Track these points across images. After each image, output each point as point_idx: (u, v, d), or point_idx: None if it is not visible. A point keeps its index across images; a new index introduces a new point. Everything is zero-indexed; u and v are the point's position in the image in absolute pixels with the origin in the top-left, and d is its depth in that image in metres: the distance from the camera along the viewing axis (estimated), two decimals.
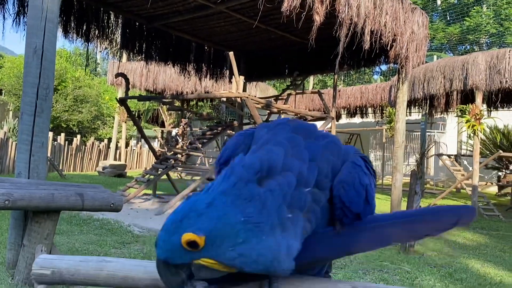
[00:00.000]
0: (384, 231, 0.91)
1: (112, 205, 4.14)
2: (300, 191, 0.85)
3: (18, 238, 4.15)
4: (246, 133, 1.02)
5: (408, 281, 4.93)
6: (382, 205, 12.26)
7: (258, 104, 8.36)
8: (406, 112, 18.06)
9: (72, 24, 8.76)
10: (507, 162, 13.56)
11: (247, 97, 7.82)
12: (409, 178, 6.77)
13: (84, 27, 8.93)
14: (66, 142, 17.88)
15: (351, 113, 19.91)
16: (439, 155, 15.36)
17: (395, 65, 9.73)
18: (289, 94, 10.97)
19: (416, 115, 19.17)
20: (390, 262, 5.71)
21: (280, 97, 11.33)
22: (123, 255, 5.21)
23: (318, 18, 6.29)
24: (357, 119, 21.43)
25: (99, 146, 19.48)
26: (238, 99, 8.87)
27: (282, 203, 0.82)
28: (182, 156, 9.87)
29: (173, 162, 9.81)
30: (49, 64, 4.22)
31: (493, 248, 7.19)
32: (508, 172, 14.30)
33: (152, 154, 19.94)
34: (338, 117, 21.08)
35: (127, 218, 7.74)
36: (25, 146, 4.13)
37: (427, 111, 16.23)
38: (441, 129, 20.21)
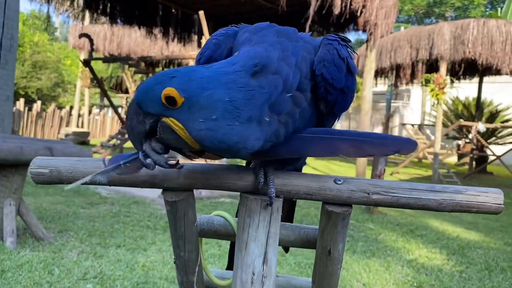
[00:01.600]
0: (336, 143, 0.96)
1: None
2: (283, 97, 0.90)
3: None
4: (227, 33, 1.04)
5: (372, 236, 5.14)
6: (347, 172, 12.60)
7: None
8: (372, 82, 18.42)
9: None
10: (466, 132, 14.13)
11: None
12: None
13: None
14: (26, 108, 17.21)
15: None
16: (403, 125, 15.83)
17: (363, 36, 9.84)
18: None
19: (382, 87, 19.56)
20: (355, 221, 5.92)
21: None
22: (92, 214, 5.16)
23: None
24: None
25: (60, 113, 18.87)
26: None
27: (265, 102, 0.86)
28: None
29: None
30: (13, 14, 4.02)
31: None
32: (467, 141, 14.92)
33: (116, 122, 19.51)
34: None
35: None
36: None
37: (393, 82, 16.59)
38: (406, 100, 20.76)
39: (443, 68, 10.85)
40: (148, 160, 0.85)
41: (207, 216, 1.21)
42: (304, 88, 0.95)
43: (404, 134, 17.98)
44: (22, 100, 17.30)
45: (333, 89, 0.97)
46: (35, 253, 3.54)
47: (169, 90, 0.79)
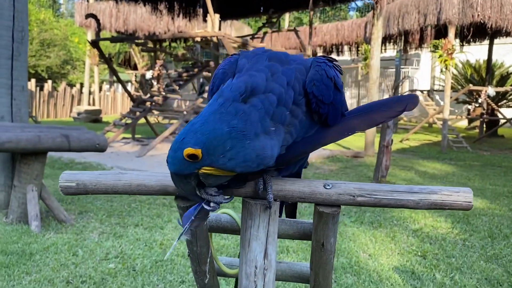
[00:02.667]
0: (349, 123, 1.13)
1: (97, 145, 4.25)
2: (281, 109, 1.04)
3: (7, 180, 4.25)
4: (231, 61, 1.18)
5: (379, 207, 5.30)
6: (357, 141, 12.70)
7: (234, 43, 8.32)
8: (381, 49, 18.17)
9: None
10: (476, 96, 14.03)
11: (223, 36, 7.77)
12: None
13: None
14: (37, 88, 17.43)
15: (327, 51, 19.87)
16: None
17: (371, 0, 9.70)
18: (265, 33, 10.88)
19: (391, 52, 19.32)
20: None
21: (256, 36, 11.23)
22: (110, 195, 5.40)
23: None
24: (333, 57, 21.45)
25: (71, 91, 19.08)
26: (214, 39, 8.79)
27: (265, 116, 1.01)
28: (159, 98, 9.86)
29: (148, 105, 9.80)
30: (22, 6, 4.12)
31: (460, 176, 7.68)
32: (477, 105, 14.83)
33: (127, 98, 19.66)
34: (314, 55, 21.04)
35: (109, 161, 7.86)
36: (6, 90, 4.12)
37: (401, 48, 16.38)
38: (415, 65, 20.52)
39: (451, 33, 10.71)
40: (212, 204, 1.04)
41: (215, 213, 1.36)
42: (299, 103, 1.08)
43: None
44: (33, 81, 17.50)
45: (323, 104, 1.09)
46: (59, 235, 3.78)
47: (187, 151, 0.95)
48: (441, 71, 12.02)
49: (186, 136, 0.96)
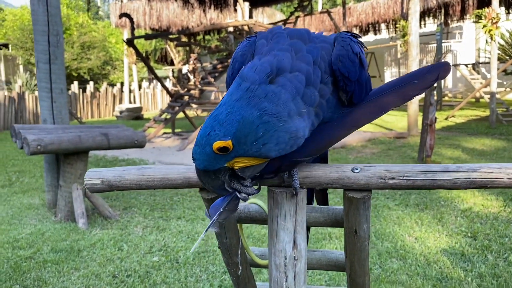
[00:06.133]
0: (382, 101, 1.06)
1: (136, 141, 4.33)
2: (310, 89, 0.98)
3: (54, 180, 4.42)
4: (249, 43, 1.12)
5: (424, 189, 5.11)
6: (400, 121, 12.32)
7: (266, 30, 8.22)
8: (420, 23, 17.45)
9: None
10: None
11: (254, 24, 7.69)
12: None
13: None
14: (80, 90, 18.04)
15: (364, 31, 19.33)
16: (455, 66, 15.06)
17: None
18: (297, 17, 10.69)
19: (431, 27, 18.55)
20: None
21: (288, 21, 11.06)
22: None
23: None
24: (370, 37, 20.85)
25: (112, 91, 19.63)
26: (245, 27, 8.72)
27: (296, 96, 0.95)
28: (195, 92, 9.95)
29: (187, 99, 9.90)
30: (55, 10, 4.23)
31: (511, 152, 7.29)
32: None
33: (166, 94, 20.02)
34: None
35: (151, 156, 8.03)
36: (46, 94, 4.26)
37: (442, 21, 15.67)
38: (458, 39, 19.61)
39: (495, 1, 10.11)
40: (243, 195, 0.98)
41: (243, 204, 1.33)
42: (326, 82, 1.03)
43: (458, 75, 17.15)
44: (76, 83, 18.12)
45: (349, 81, 1.04)
46: (104, 231, 3.89)
47: (217, 144, 0.89)
48: (486, 42, 11.41)
49: (212, 129, 0.90)
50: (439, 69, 1.04)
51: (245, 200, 1.00)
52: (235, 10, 10.89)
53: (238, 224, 1.39)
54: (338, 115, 1.07)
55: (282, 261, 1.09)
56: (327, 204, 1.41)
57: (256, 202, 1.33)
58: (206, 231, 1.05)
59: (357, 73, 1.04)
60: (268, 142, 0.91)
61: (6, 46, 24.61)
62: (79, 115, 16.15)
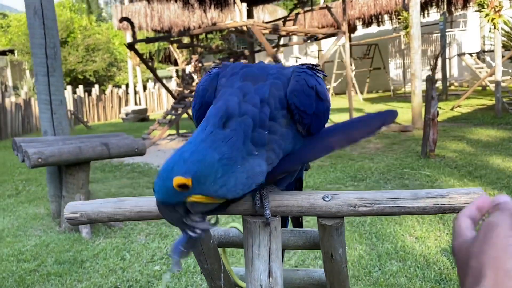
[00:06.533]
0: (329, 140, 1.09)
1: (136, 149, 4.37)
2: (259, 132, 1.01)
3: (57, 190, 4.48)
4: (210, 77, 1.16)
5: (428, 184, 5.10)
6: (404, 114, 12.25)
7: (265, 29, 8.21)
8: (424, 13, 17.28)
9: None
10: None
11: (252, 25, 7.68)
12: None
13: None
14: (86, 93, 18.16)
15: (367, 23, 19.20)
16: (460, 55, 14.91)
17: None
18: (297, 14, 10.65)
19: (435, 16, 18.37)
20: (411, 169, 5.87)
21: (288, 18, 11.03)
22: None
23: None
24: (374, 29, 20.69)
25: (118, 93, 19.73)
26: (244, 27, 8.72)
27: (246, 139, 0.99)
28: None
29: (191, 100, 9.94)
30: (51, 23, 4.26)
31: None
32: None
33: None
34: (354, 28, 20.38)
35: (156, 160, 8.08)
36: (46, 106, 4.31)
37: (445, 10, 15.51)
38: (462, 27, 19.38)
39: None
40: (198, 231, 0.99)
41: (223, 229, 1.35)
42: (277, 117, 1.05)
43: (464, 64, 16.96)
44: (81, 87, 18.23)
45: (305, 114, 1.07)
46: (108, 240, 3.94)
47: (178, 180, 0.91)
48: (490, 30, 11.28)
49: (175, 165, 0.94)
50: (386, 116, 1.08)
51: (200, 236, 1.01)
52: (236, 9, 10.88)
53: (221, 249, 1.41)
54: (300, 145, 1.10)
55: None
56: (302, 227, 1.43)
57: (236, 226, 1.35)
58: (170, 271, 1.07)
59: (313, 106, 1.07)
60: (226, 184, 0.95)
61: (12, 52, 24.83)
62: (85, 119, 16.27)
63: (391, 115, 1.08)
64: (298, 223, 1.43)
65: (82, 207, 1.18)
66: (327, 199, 1.06)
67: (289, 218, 1.44)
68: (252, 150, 0.99)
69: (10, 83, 23.54)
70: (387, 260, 3.21)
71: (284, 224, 1.41)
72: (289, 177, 1.19)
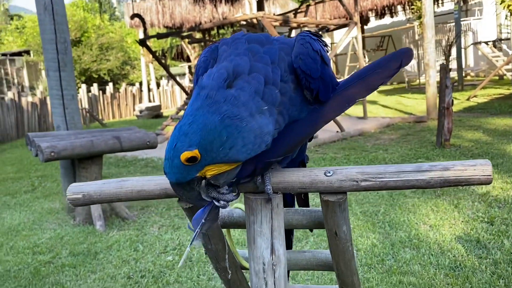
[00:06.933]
0: (348, 93, 1.06)
1: (148, 142, 4.39)
2: (270, 88, 0.98)
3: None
4: (211, 49, 1.13)
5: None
6: (419, 104, 12.07)
7: (275, 21, 8.16)
8: (437, 2, 16.99)
9: None
10: None
11: (262, 17, 7.64)
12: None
13: None
14: (100, 91, 18.34)
15: (380, 14, 18.97)
16: (475, 44, 14.63)
17: None
18: (307, 5, 10.56)
19: (449, 5, 18.05)
20: (425, 159, 5.78)
21: (299, 10, 10.95)
22: None
23: None
24: (387, 20, 20.44)
25: (132, 90, 19.87)
26: (254, 20, 8.67)
27: (255, 96, 0.95)
28: None
29: None
30: (61, 18, 4.30)
31: None
32: None
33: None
34: (366, 20, 20.17)
35: None
36: (58, 101, 4.36)
37: None
38: (478, 16, 19.01)
39: None
40: (222, 203, 0.98)
41: (227, 209, 1.34)
42: (286, 80, 1.03)
43: (480, 53, 16.64)
44: (95, 85, 18.41)
45: (312, 79, 1.03)
46: (121, 233, 3.97)
47: (184, 155, 0.89)
48: (506, 17, 11.03)
49: (177, 141, 0.91)
50: (402, 55, 1.04)
51: (224, 207, 1.00)
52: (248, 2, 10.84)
53: (226, 229, 1.40)
54: (306, 114, 1.07)
55: (261, 267, 1.09)
56: (308, 206, 1.40)
57: (239, 206, 1.33)
58: (191, 244, 1.06)
59: (318, 70, 1.04)
60: (235, 145, 0.91)
61: (27, 52, 25.22)
62: (100, 117, 16.43)
63: (407, 54, 1.04)
64: (304, 202, 1.41)
65: (84, 188, 1.18)
66: (328, 174, 1.04)
67: (295, 199, 1.42)
68: (262, 106, 0.95)
69: (26, 83, 23.91)
70: (400, 248, 3.17)
71: (291, 204, 1.39)
72: (290, 155, 1.16)
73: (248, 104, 0.93)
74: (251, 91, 0.94)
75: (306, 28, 11.59)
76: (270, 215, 1.09)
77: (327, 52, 1.11)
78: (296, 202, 1.44)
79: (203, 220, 1.03)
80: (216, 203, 0.99)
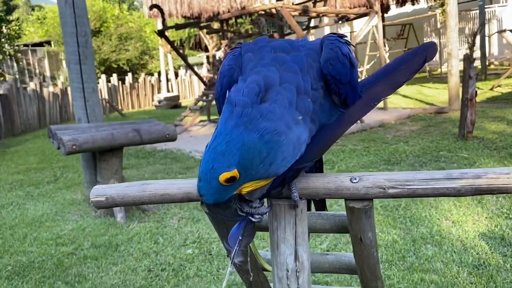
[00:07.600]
0: (373, 92, 1.05)
1: (167, 135, 4.41)
2: (303, 98, 0.96)
3: (92, 176, 4.59)
4: (234, 56, 1.09)
5: (465, 167, 4.92)
6: (440, 95, 11.84)
7: (294, 11, 8.06)
8: None
9: None
10: None
11: (281, 7, 7.55)
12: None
13: None
14: (120, 82, 18.50)
15: (400, 2, 18.57)
16: (500, 32, 14.23)
17: None
18: None
19: None
20: (447, 151, 5.68)
21: (318, 0, 10.79)
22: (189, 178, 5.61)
23: None
24: (408, 7, 20.00)
25: (150, 80, 20.00)
26: (273, 10, 8.58)
27: (289, 107, 0.93)
28: None
29: None
30: (82, 12, 4.32)
31: None
32: None
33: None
34: (387, 8, 19.78)
35: (188, 146, 8.16)
36: (79, 93, 4.40)
37: None
38: (503, 2, 18.47)
39: None
40: (257, 217, 0.97)
41: None
42: (316, 88, 1.01)
43: (505, 42, 16.19)
44: (115, 76, 18.58)
45: (341, 84, 1.02)
46: (142, 225, 4.01)
47: (223, 176, 0.87)
48: None
49: (214, 162, 0.88)
50: (426, 50, 1.03)
51: (260, 221, 0.99)
52: None
53: None
54: (334, 118, 1.05)
55: (285, 274, 1.08)
56: (325, 209, 1.38)
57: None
58: (231, 263, 1.04)
59: (348, 74, 1.02)
60: (275, 161, 0.90)
61: (48, 43, 25.56)
62: (119, 107, 16.60)
63: (432, 49, 1.03)
64: (321, 206, 1.39)
65: (108, 191, 1.18)
66: (354, 181, 1.02)
67: (312, 202, 1.40)
68: (297, 116, 0.93)
69: (48, 73, 24.28)
70: (422, 244, 3.13)
71: (307, 208, 1.38)
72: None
73: (284, 117, 0.91)
74: (284, 103, 0.92)
75: (326, 18, 11.47)
76: (294, 221, 1.07)
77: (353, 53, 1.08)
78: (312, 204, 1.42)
79: (240, 237, 1.02)
80: (252, 219, 0.97)
